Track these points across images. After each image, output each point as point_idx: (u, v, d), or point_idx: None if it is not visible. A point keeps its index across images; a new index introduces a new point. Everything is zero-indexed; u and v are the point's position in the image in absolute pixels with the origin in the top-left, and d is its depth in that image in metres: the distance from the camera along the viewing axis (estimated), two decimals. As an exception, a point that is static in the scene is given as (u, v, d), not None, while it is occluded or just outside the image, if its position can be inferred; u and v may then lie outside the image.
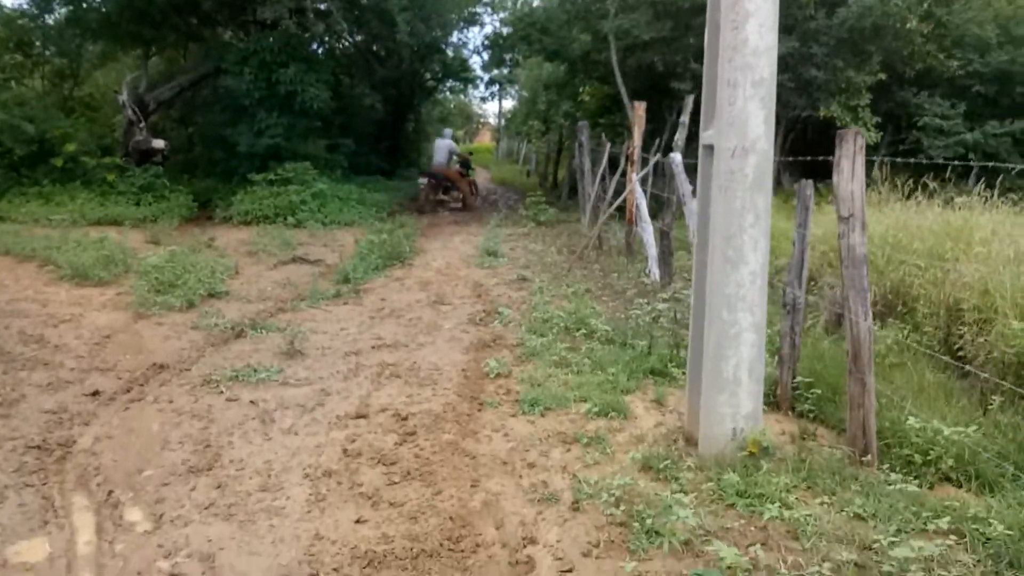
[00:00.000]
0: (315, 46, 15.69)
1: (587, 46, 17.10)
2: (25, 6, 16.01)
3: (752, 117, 3.62)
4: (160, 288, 7.66)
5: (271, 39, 13.58)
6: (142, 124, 13.93)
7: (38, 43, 17.17)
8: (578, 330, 6.29)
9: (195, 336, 6.41)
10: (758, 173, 3.65)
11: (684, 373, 5.24)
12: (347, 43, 17.82)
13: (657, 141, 12.56)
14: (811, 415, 4.36)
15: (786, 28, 13.01)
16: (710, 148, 3.83)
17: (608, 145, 11.59)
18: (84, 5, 14.63)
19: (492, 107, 60.17)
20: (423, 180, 16.02)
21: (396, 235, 11.10)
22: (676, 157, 6.48)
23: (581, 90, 20.87)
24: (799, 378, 4.49)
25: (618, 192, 11.22)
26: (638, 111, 9.09)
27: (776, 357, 4.62)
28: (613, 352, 5.69)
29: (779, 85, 11.94)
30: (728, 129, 3.65)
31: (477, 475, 3.77)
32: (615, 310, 7.21)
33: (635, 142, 9.17)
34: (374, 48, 17.86)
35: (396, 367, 5.56)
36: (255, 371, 5.36)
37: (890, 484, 3.43)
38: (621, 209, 9.91)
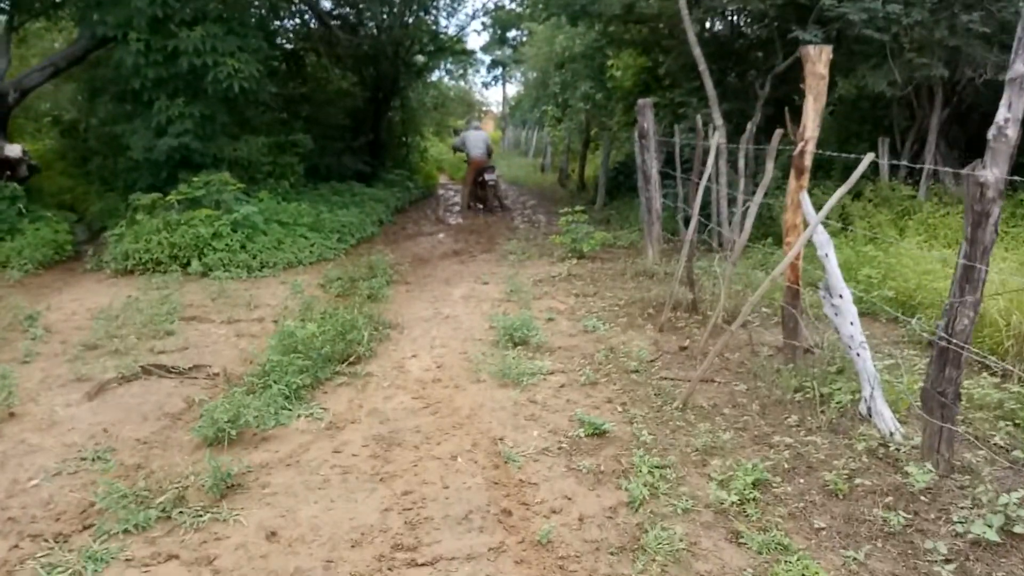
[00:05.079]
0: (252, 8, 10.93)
1: (629, -1, 12.35)
2: None
3: None
4: None
5: (167, -12, 8.88)
6: (-15, 123, 9.36)
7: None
8: None
9: None
10: None
11: None
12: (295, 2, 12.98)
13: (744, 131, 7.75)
14: None
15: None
16: None
17: (704, 134, 6.90)
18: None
19: (495, 93, 55.76)
20: (491, 177, 14.37)
21: (349, 306, 6.45)
22: None
23: (610, 64, 16.15)
24: None
25: (700, 207, 6.61)
26: (816, 65, 4.40)
27: None
28: None
29: (955, 33, 6.31)
30: None
31: None
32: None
33: (807, 131, 4.51)
34: (333, 11, 12.98)
35: None
36: None
37: None
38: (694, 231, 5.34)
